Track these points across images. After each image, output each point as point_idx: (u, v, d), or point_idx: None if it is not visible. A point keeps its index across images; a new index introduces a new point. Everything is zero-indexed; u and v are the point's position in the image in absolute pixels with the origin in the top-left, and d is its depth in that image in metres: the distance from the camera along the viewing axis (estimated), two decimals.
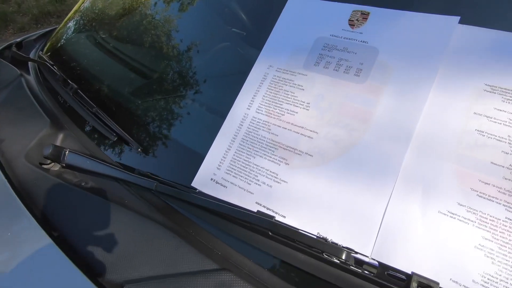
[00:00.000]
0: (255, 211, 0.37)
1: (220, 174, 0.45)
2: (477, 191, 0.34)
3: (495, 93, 0.37)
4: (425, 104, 0.38)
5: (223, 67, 0.68)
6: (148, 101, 0.66)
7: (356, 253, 0.34)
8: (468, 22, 0.40)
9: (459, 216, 0.34)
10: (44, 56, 0.80)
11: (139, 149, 0.56)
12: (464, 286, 0.32)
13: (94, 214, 0.48)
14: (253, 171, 0.43)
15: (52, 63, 0.75)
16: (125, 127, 0.60)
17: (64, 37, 0.91)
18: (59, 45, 0.88)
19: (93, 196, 0.50)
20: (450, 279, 0.32)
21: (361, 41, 0.44)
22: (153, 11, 0.81)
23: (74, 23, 0.95)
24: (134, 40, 0.79)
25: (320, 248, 0.33)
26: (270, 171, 0.42)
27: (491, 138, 0.35)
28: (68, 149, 0.54)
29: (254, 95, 0.47)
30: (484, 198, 0.34)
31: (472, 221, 0.33)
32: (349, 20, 0.46)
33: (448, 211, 0.34)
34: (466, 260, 0.32)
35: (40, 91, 0.74)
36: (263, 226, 0.35)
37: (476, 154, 0.35)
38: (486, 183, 0.34)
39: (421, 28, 0.42)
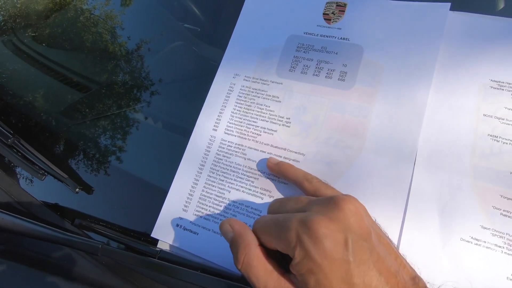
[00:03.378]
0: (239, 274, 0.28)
1: (187, 218, 0.35)
2: (500, 209, 0.29)
3: (503, 89, 0.32)
4: (426, 106, 0.32)
5: (179, 73, 0.57)
6: (87, 122, 0.53)
7: None
8: (460, 8, 0.35)
9: (485, 242, 0.28)
10: None
11: (77, 190, 0.44)
12: None
13: None
14: (230, 210, 0.34)
15: None
16: (57, 160, 0.47)
17: None
18: None
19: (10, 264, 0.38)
20: None
21: (341, 38, 0.37)
22: (90, 5, 0.66)
23: None
24: (62, 44, 0.64)
25: None
26: (252, 208, 0.34)
27: (507, 143, 0.30)
28: None
29: (221, 112, 0.38)
30: (509, 217, 0.29)
31: (499, 246, 0.28)
32: (323, 14, 0.39)
33: (472, 237, 0.29)
34: None
35: None
36: None
37: (493, 164, 0.30)
38: (509, 199, 0.29)
39: (409, 19, 0.36)
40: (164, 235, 0.35)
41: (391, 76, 0.34)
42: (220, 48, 0.42)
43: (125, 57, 0.58)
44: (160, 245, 0.35)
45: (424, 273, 0.27)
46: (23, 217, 0.39)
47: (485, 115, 0.31)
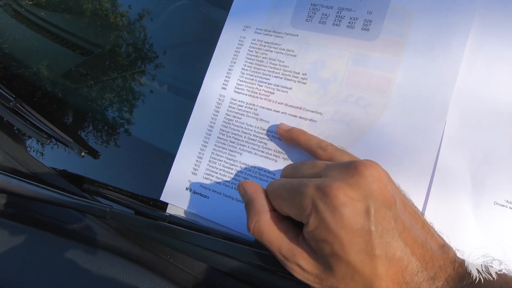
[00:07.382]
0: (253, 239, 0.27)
1: (197, 181, 0.33)
2: None
3: None
4: (462, 58, 0.29)
5: (183, 34, 0.53)
6: (90, 85, 0.51)
7: None
8: None
9: None
10: None
11: (83, 154, 0.43)
12: None
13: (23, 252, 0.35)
14: (242, 173, 0.32)
15: None
16: (60, 125, 0.46)
17: None
18: None
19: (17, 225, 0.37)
20: None
21: None
22: None
23: None
24: (60, 11, 0.61)
25: None
26: (264, 171, 0.32)
27: None
28: None
29: (230, 69, 0.35)
30: None
31: None
32: None
33: (507, 201, 0.26)
34: None
35: None
36: (266, 265, 0.25)
37: None
38: None
39: None
40: (173, 199, 0.34)
41: (423, 25, 0.30)
42: (228, 9, 0.37)
43: (128, 20, 0.54)
44: (169, 210, 0.34)
45: (451, 240, 0.25)
46: (31, 181, 0.38)
47: None
